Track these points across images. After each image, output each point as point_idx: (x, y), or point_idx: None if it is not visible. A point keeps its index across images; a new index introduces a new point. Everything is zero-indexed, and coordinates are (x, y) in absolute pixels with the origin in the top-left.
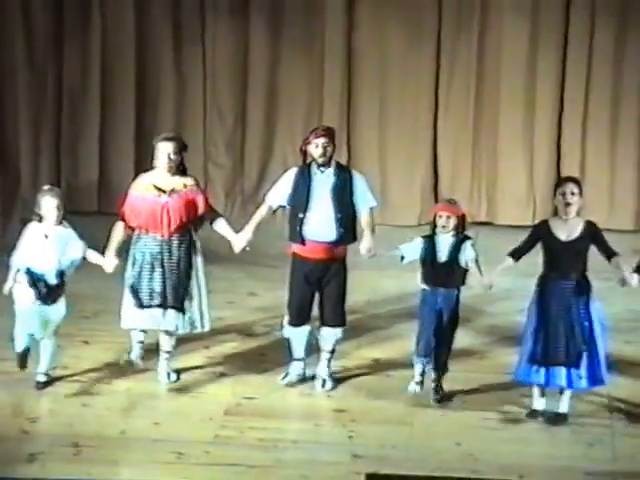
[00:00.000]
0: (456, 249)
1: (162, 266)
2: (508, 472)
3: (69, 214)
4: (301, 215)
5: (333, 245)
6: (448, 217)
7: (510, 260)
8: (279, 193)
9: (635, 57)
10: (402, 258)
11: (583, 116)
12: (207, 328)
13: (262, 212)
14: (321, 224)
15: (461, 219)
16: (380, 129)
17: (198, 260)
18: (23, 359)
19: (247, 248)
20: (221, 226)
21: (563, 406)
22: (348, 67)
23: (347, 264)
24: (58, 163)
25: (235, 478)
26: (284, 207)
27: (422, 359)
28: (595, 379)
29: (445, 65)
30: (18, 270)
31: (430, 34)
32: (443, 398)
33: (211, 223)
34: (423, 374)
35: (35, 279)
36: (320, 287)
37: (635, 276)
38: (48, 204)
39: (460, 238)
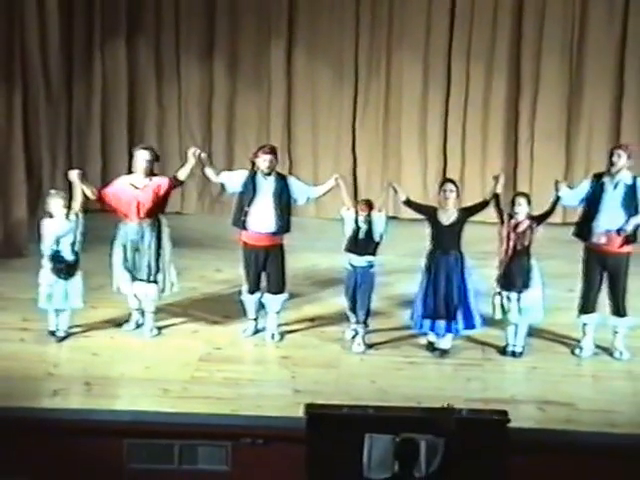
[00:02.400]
0: (368, 229)
1: (138, 249)
2: (409, 400)
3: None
4: (246, 208)
5: (273, 235)
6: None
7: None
8: (231, 178)
9: (499, 93)
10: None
11: (462, 136)
12: (168, 292)
13: (214, 176)
14: (264, 219)
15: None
16: (313, 143)
17: (165, 241)
18: (52, 332)
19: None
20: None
21: (445, 344)
22: (288, 97)
23: (284, 247)
24: None
25: (207, 408)
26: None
27: (351, 313)
28: (468, 325)
29: (360, 96)
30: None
31: (349, 72)
32: (366, 347)
33: (176, 175)
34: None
35: (56, 261)
36: (265, 266)
37: None
38: (57, 203)
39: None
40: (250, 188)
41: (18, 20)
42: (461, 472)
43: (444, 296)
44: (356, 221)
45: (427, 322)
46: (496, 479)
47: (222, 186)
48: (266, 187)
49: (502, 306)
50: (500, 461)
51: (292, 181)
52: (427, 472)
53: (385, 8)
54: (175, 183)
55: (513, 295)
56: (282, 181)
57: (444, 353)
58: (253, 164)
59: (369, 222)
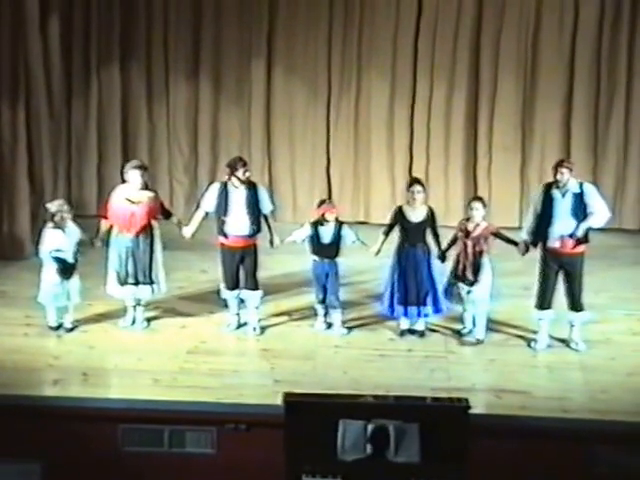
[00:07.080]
0: (337, 233)
1: (133, 255)
2: (379, 389)
3: (77, 217)
4: (223, 218)
5: (247, 237)
6: (332, 214)
7: (383, 236)
8: (208, 202)
9: (460, 109)
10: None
11: (426, 148)
12: (159, 291)
13: (200, 215)
14: (239, 224)
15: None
16: (290, 156)
17: (157, 245)
18: (57, 328)
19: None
20: (174, 220)
21: (420, 326)
22: (267, 113)
23: (258, 248)
24: (69, 183)
25: (194, 397)
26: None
27: (319, 305)
28: (436, 310)
29: (333, 111)
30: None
31: (323, 89)
32: (349, 329)
33: (167, 219)
34: (325, 315)
35: (59, 263)
36: (240, 264)
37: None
38: (66, 209)
39: (338, 225)
40: (224, 199)
41: (22, 45)
42: (426, 454)
43: (415, 285)
44: (317, 224)
45: (400, 308)
46: (458, 461)
47: (206, 213)
48: (238, 196)
49: (458, 294)
50: (462, 444)
51: (261, 190)
52: (397, 454)
53: (355, 31)
54: (165, 214)
55: (464, 287)
56: (252, 189)
57: (422, 335)
58: (229, 177)
59: (339, 227)
